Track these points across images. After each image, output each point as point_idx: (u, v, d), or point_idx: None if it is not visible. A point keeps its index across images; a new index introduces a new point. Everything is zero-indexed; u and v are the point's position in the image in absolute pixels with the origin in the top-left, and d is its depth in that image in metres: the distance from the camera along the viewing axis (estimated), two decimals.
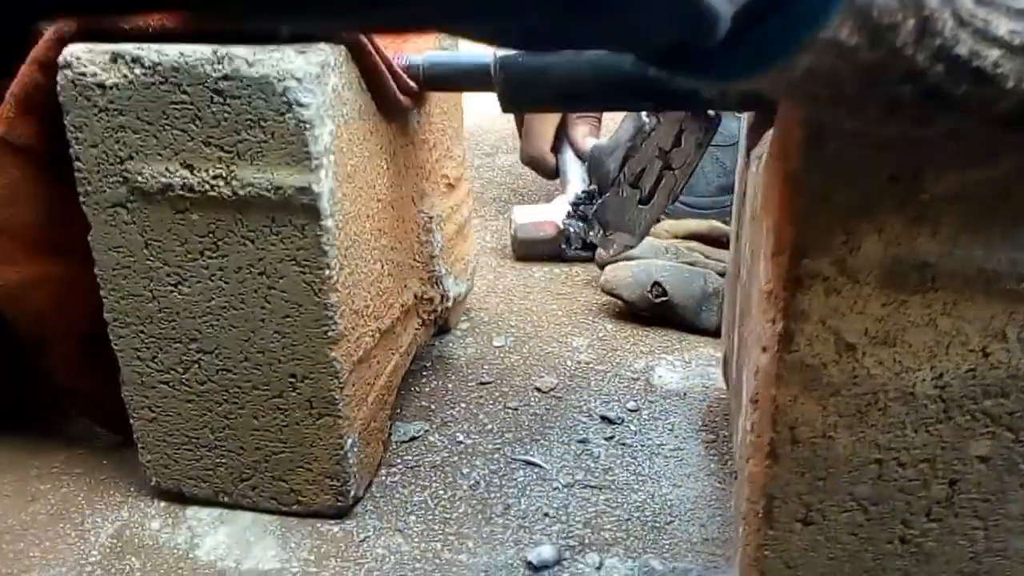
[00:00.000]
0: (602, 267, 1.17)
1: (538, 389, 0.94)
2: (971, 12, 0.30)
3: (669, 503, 0.76)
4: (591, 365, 0.99)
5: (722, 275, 1.10)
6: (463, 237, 1.02)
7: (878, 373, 0.48)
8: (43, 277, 0.71)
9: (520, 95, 0.69)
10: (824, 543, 0.53)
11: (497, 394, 0.93)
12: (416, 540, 0.71)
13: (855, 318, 0.46)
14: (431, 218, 0.88)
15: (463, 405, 0.91)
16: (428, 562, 0.69)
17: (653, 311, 1.08)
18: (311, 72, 0.60)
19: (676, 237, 1.20)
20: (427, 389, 0.94)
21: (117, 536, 0.71)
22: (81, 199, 0.64)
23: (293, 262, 0.64)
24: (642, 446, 0.84)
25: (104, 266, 0.66)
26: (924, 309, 0.45)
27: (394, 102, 0.72)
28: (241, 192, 0.62)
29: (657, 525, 0.73)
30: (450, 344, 1.04)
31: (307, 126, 0.60)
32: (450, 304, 0.96)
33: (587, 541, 0.71)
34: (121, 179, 0.63)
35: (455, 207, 0.98)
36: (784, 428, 0.50)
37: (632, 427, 0.87)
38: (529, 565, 0.68)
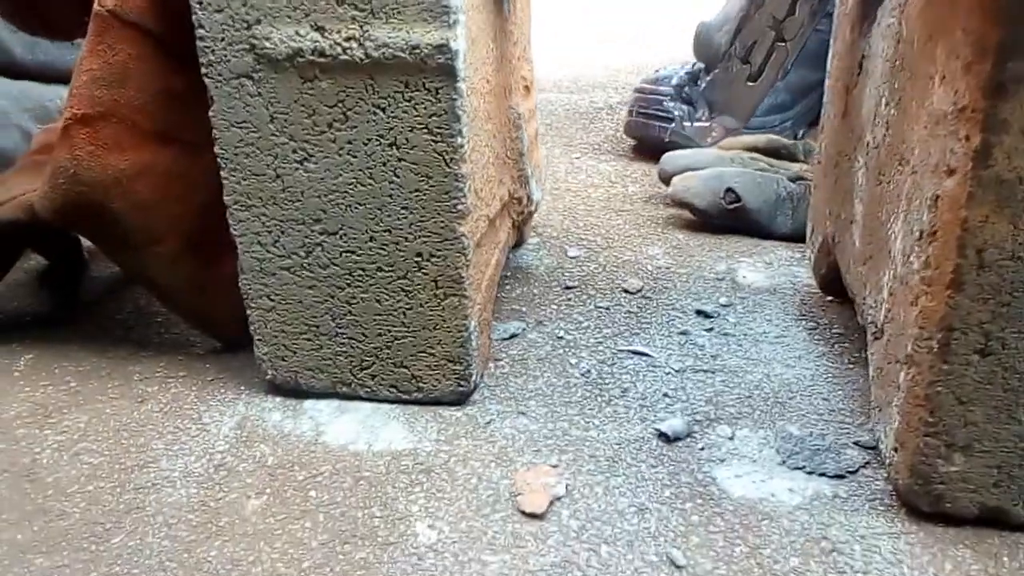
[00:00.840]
0: (665, 181, 1.16)
1: (625, 291, 0.93)
2: None
3: (786, 381, 0.75)
4: (672, 269, 0.98)
5: (793, 181, 1.09)
6: (537, 145, 1.00)
7: None
8: (151, 165, 0.69)
9: None
10: (1001, 373, 0.52)
11: (584, 296, 0.92)
12: (542, 421, 0.70)
13: None
14: (520, 115, 0.87)
15: (554, 307, 0.90)
16: (559, 439, 0.68)
17: (726, 218, 1.07)
18: None
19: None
20: (514, 294, 0.93)
21: (240, 427, 0.69)
22: (203, 71, 0.62)
23: (425, 130, 0.62)
24: (744, 335, 0.84)
25: (226, 144, 0.64)
26: None
27: None
28: (375, 54, 0.60)
29: (780, 400, 0.73)
30: (525, 256, 1.03)
31: None
32: (532, 208, 0.94)
33: (714, 416, 0.71)
34: (248, 46, 0.61)
35: (531, 111, 0.96)
36: (972, 252, 0.50)
37: (730, 319, 0.87)
38: (662, 436, 0.68)
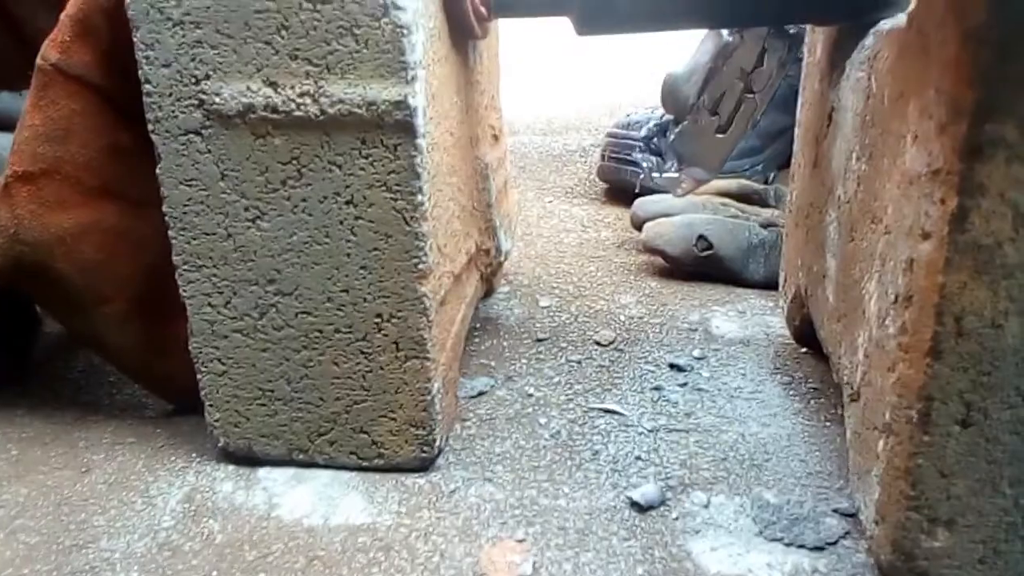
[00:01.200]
0: (637, 227, 1.14)
1: (597, 343, 0.91)
2: None
3: (762, 441, 0.73)
4: (645, 319, 0.96)
5: (764, 227, 1.08)
6: (507, 193, 0.98)
7: None
8: (97, 223, 0.66)
9: (599, 15, 0.66)
10: (984, 445, 0.50)
11: (556, 349, 0.89)
12: (509, 488, 0.67)
13: None
14: (486, 164, 0.85)
15: (524, 360, 0.87)
16: (526, 508, 0.65)
17: (698, 265, 1.05)
18: None
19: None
20: (483, 347, 0.90)
21: (188, 500, 0.66)
22: (150, 127, 0.59)
23: (384, 188, 0.59)
24: (718, 391, 0.81)
25: (174, 203, 0.61)
26: None
27: (466, 25, 0.68)
28: (330, 110, 0.57)
29: (756, 463, 0.70)
30: (496, 306, 1.00)
31: (404, 32, 0.56)
32: (502, 259, 0.92)
33: (688, 481, 0.68)
34: (196, 102, 0.58)
35: (500, 160, 0.94)
36: (949, 320, 0.47)
37: (703, 373, 0.84)
38: (634, 505, 0.65)
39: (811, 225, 0.77)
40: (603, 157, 1.35)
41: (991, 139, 0.43)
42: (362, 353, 0.65)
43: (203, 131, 0.59)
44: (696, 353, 0.88)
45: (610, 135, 1.35)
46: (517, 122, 1.80)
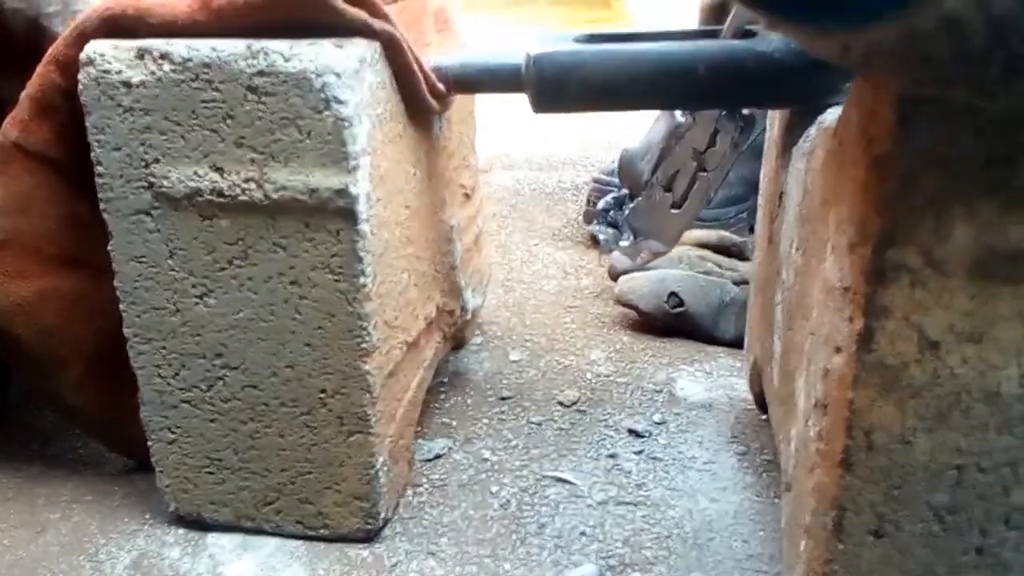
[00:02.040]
0: (614, 278, 1.15)
1: (560, 403, 0.91)
2: None
3: (708, 518, 0.73)
4: (611, 378, 0.97)
5: (737, 284, 1.08)
6: (478, 249, 0.99)
7: (962, 372, 0.46)
8: (56, 290, 0.68)
9: (555, 93, 0.67)
10: (896, 556, 0.50)
11: (519, 409, 0.90)
12: (450, 563, 0.68)
13: (940, 313, 0.44)
14: (452, 228, 0.86)
15: (485, 421, 0.88)
16: None
17: (670, 322, 1.06)
18: (350, 68, 0.57)
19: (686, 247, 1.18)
20: (447, 405, 0.91)
21: (135, 566, 0.67)
22: (102, 206, 0.61)
23: (327, 269, 0.61)
24: (673, 460, 0.82)
25: (125, 278, 0.63)
26: (1014, 301, 0.43)
27: (423, 104, 0.69)
28: (274, 196, 0.59)
29: (699, 543, 0.70)
30: (465, 359, 1.01)
31: (345, 124, 0.57)
32: (468, 317, 0.93)
33: (628, 560, 0.68)
34: (145, 184, 0.60)
35: (471, 218, 0.95)
36: (860, 434, 0.48)
37: (661, 440, 0.85)
38: None
39: (765, 299, 0.77)
40: (588, 202, 1.36)
41: (894, 264, 0.44)
42: (307, 427, 0.66)
43: (152, 211, 0.61)
44: (656, 418, 0.88)
45: (595, 180, 1.36)
46: (516, 156, 1.81)
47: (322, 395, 0.65)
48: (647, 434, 0.86)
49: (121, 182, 0.60)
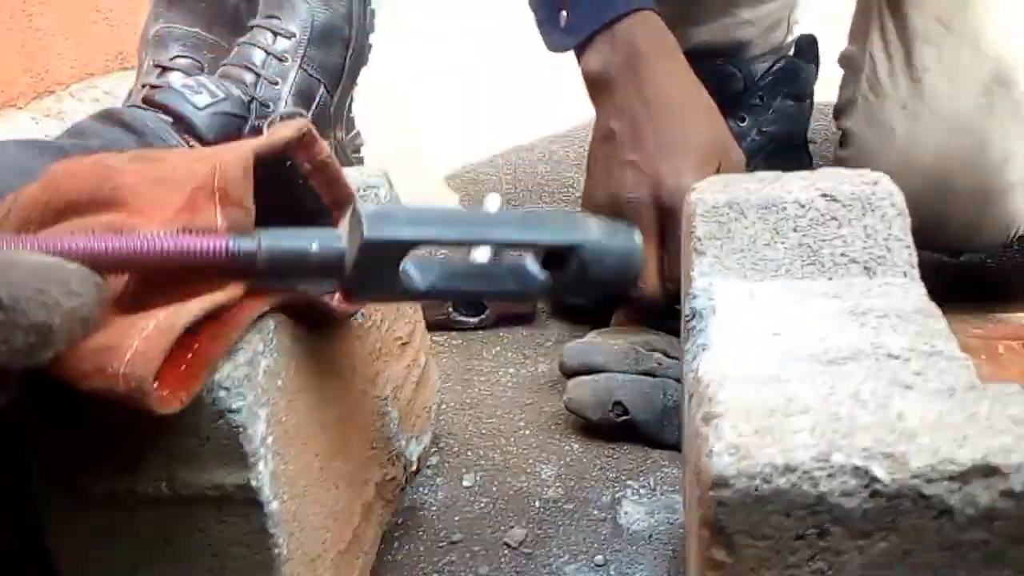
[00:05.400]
0: (567, 374, 1.18)
1: (507, 544, 0.96)
2: None
3: None
4: (559, 504, 1.01)
5: (678, 381, 1.11)
6: (422, 385, 1.03)
7: None
8: None
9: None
10: None
11: (468, 555, 0.95)
12: None
13: None
14: (385, 399, 0.89)
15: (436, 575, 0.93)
16: None
17: (616, 430, 1.10)
18: (237, 377, 0.60)
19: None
20: (399, 557, 0.96)
21: None
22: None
23: (242, 545, 0.65)
24: None
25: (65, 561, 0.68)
26: None
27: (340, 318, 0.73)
28: (183, 492, 0.63)
29: None
30: (421, 487, 1.06)
31: (240, 429, 0.60)
32: (414, 468, 0.97)
33: None
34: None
35: (410, 365, 0.98)
36: None
37: None
38: None
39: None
40: None
41: None
42: None
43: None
44: (598, 559, 0.93)
45: None
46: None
47: None
48: None
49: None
